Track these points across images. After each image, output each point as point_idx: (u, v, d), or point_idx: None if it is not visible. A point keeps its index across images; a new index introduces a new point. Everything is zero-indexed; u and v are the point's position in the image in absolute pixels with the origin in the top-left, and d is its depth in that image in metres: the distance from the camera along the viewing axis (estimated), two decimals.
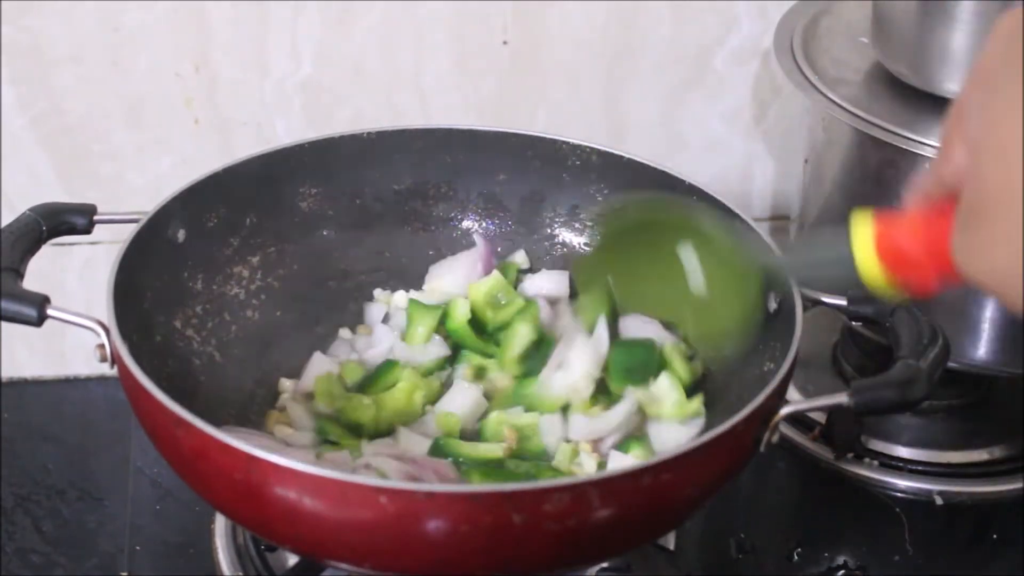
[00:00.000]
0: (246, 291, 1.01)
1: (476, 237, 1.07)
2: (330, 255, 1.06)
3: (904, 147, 0.96)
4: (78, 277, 1.19)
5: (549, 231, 1.08)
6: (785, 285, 0.88)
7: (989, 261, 0.48)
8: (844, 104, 1.01)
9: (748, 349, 0.91)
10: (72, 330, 0.82)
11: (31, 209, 0.89)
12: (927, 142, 0.96)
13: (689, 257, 0.90)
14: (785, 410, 0.80)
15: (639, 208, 0.94)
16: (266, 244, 1.02)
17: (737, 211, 0.96)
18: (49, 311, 0.82)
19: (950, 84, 1.00)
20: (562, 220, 1.07)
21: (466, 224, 1.09)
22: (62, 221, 0.90)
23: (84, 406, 1.20)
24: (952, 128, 0.56)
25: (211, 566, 0.97)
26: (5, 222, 0.89)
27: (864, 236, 0.63)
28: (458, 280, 1.04)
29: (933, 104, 1.01)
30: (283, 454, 0.70)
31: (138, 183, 1.16)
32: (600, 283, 0.94)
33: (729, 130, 1.26)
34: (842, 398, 0.79)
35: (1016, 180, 0.46)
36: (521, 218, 1.08)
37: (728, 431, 0.75)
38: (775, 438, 0.80)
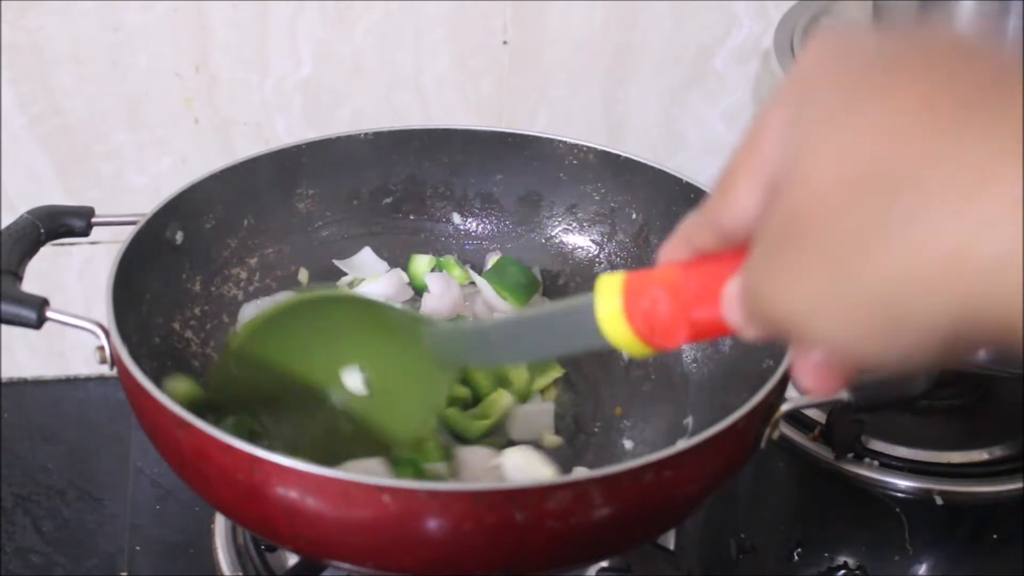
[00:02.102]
0: (244, 292, 1.01)
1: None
2: (328, 256, 1.06)
3: None
4: (78, 277, 1.19)
5: (546, 230, 1.08)
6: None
7: (795, 292, 0.42)
8: None
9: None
10: (72, 330, 0.82)
11: (29, 212, 0.89)
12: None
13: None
14: (785, 407, 0.80)
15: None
16: (264, 245, 1.02)
17: None
18: (48, 313, 0.82)
19: None
20: (559, 219, 1.08)
21: (464, 224, 1.09)
22: (60, 223, 0.90)
23: (84, 406, 1.20)
24: (739, 166, 0.47)
25: (211, 566, 0.97)
26: (5, 222, 0.89)
27: (609, 286, 0.55)
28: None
29: None
30: (285, 454, 0.70)
31: (138, 183, 1.16)
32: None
33: (729, 130, 1.26)
34: (842, 394, 0.79)
35: (831, 197, 0.39)
36: (518, 217, 1.09)
37: (729, 428, 0.75)
38: (776, 434, 0.80)
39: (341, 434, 0.86)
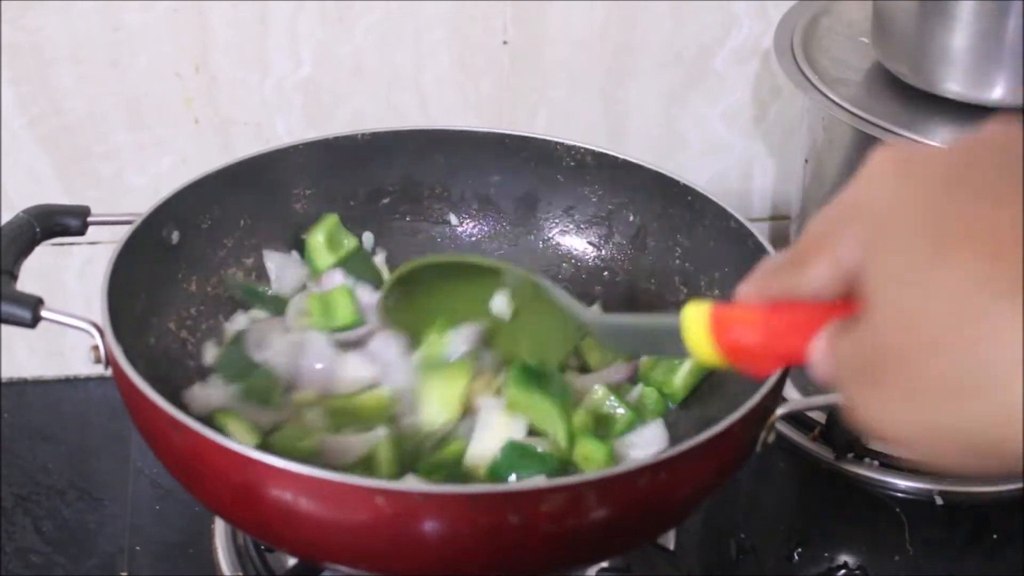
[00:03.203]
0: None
1: None
2: None
3: None
4: (77, 277, 1.19)
5: (543, 232, 1.08)
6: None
7: (888, 420, 0.46)
8: (844, 104, 1.01)
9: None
10: (72, 330, 0.82)
11: (25, 211, 0.89)
12: (927, 142, 0.96)
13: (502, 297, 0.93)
14: (782, 409, 0.80)
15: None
16: (260, 246, 1.02)
17: (734, 212, 0.96)
18: (43, 313, 0.82)
19: (950, 84, 0.99)
20: (556, 221, 1.07)
21: (460, 226, 1.09)
22: (56, 223, 0.90)
23: (84, 406, 1.20)
24: (817, 250, 0.51)
25: (211, 566, 0.97)
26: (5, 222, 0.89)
27: (697, 317, 0.61)
28: None
29: (933, 104, 1.01)
30: (279, 455, 0.70)
31: (138, 183, 1.16)
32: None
33: (729, 130, 1.26)
34: (839, 396, 0.79)
35: (912, 349, 0.43)
36: (515, 219, 1.08)
37: (725, 430, 0.75)
38: (771, 438, 0.80)
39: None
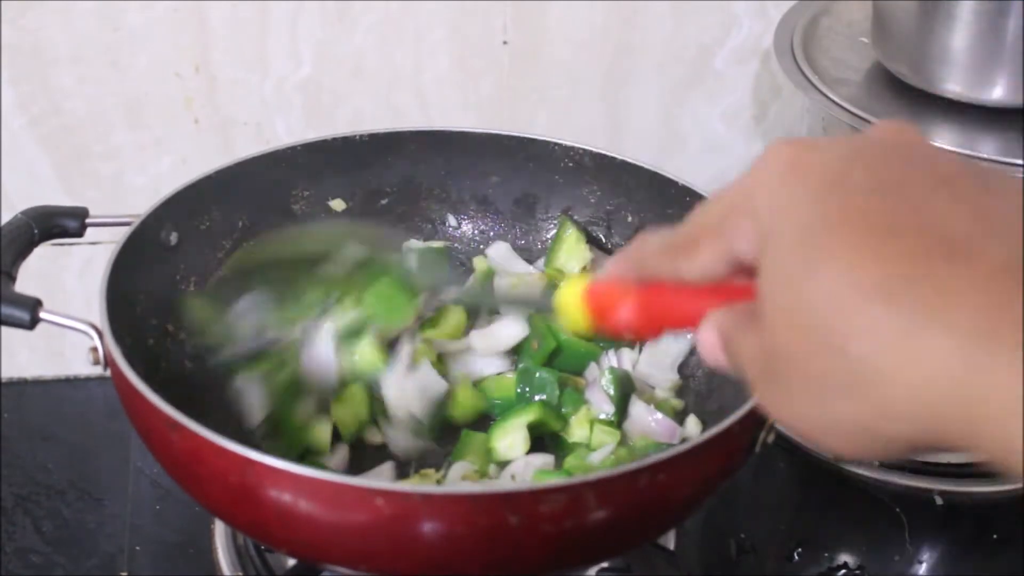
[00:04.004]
0: None
1: None
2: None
3: None
4: (78, 277, 1.19)
5: (542, 233, 1.08)
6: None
7: (784, 410, 0.48)
8: (844, 104, 1.01)
9: None
10: (72, 331, 0.82)
11: (23, 212, 0.89)
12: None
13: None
14: None
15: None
16: (259, 246, 1.02)
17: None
18: (42, 314, 0.82)
19: (950, 84, 0.99)
20: (555, 222, 1.07)
21: (458, 226, 1.09)
22: (54, 224, 0.90)
23: (84, 406, 1.20)
24: (707, 235, 0.52)
25: (211, 566, 0.97)
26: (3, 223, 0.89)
27: (572, 297, 0.61)
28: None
29: (933, 104, 1.01)
30: (278, 456, 0.70)
31: (138, 183, 1.16)
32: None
33: (729, 130, 1.26)
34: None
35: (797, 348, 0.45)
36: (514, 220, 1.08)
37: (724, 431, 0.75)
38: (771, 438, 0.80)
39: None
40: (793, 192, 0.46)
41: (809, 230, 0.44)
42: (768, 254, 0.47)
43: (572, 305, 0.60)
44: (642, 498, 0.73)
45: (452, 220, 1.08)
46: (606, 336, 0.63)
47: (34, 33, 1.08)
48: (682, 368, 0.99)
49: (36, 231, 0.88)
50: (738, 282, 0.52)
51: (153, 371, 0.88)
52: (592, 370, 0.99)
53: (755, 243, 0.49)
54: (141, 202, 0.94)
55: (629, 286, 0.57)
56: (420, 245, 1.05)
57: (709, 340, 0.53)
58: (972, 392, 0.40)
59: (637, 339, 0.60)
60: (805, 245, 0.44)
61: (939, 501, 1.07)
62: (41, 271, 1.15)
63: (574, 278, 0.63)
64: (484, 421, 0.97)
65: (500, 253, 1.07)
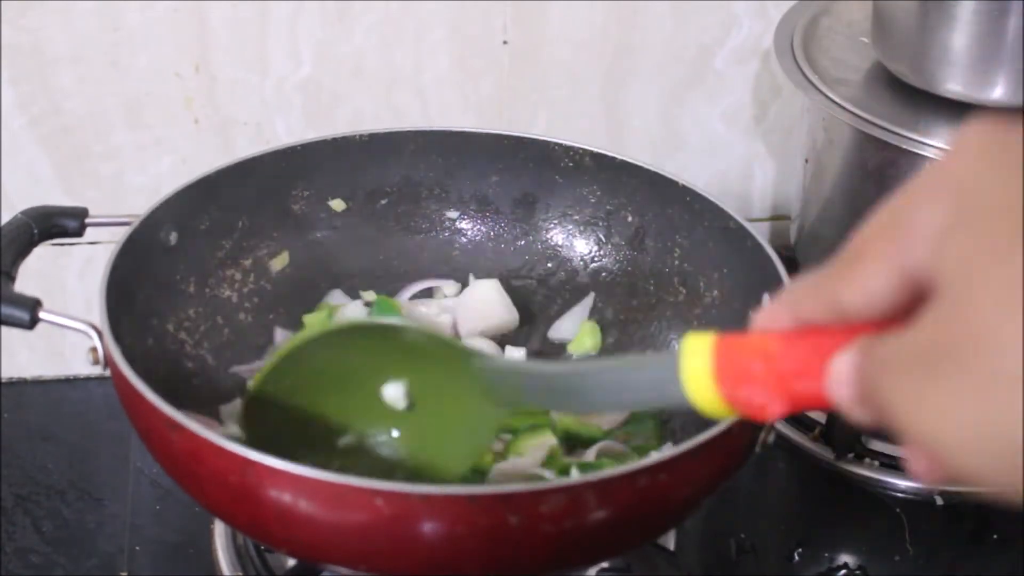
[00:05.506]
0: (239, 294, 1.01)
1: None
2: (322, 258, 1.06)
3: (904, 147, 0.96)
4: (78, 278, 1.19)
5: (541, 233, 1.08)
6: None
7: (947, 417, 0.40)
8: (844, 104, 1.01)
9: None
10: (72, 330, 0.82)
11: (23, 212, 0.89)
12: (927, 142, 0.96)
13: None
14: None
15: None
16: (258, 247, 1.02)
17: (733, 213, 0.95)
18: (41, 314, 0.82)
19: (950, 84, 0.99)
20: (555, 222, 1.07)
21: (459, 226, 1.09)
22: (54, 224, 0.90)
23: (84, 406, 1.20)
24: (873, 247, 0.45)
25: (211, 566, 0.97)
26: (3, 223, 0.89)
27: (698, 362, 0.51)
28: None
29: (933, 104, 1.00)
30: (278, 456, 0.70)
31: (138, 183, 1.16)
32: None
33: (729, 130, 1.26)
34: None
35: (1004, 332, 0.38)
36: (513, 220, 1.08)
37: (724, 432, 0.75)
38: (771, 438, 0.80)
39: (379, 467, 0.81)
40: (1002, 168, 0.41)
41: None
42: (964, 225, 0.41)
43: (699, 371, 0.51)
44: (642, 498, 0.73)
45: (452, 220, 1.09)
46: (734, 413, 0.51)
47: (34, 33, 1.08)
48: None
49: (36, 231, 0.88)
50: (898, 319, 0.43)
51: (153, 371, 0.87)
52: None
53: (937, 230, 0.42)
54: (141, 202, 0.94)
55: (770, 338, 0.48)
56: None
57: (844, 365, 0.45)
58: None
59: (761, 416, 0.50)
60: (1018, 219, 0.39)
61: (939, 501, 1.07)
62: (41, 271, 1.15)
63: (698, 335, 0.51)
64: None
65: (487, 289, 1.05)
